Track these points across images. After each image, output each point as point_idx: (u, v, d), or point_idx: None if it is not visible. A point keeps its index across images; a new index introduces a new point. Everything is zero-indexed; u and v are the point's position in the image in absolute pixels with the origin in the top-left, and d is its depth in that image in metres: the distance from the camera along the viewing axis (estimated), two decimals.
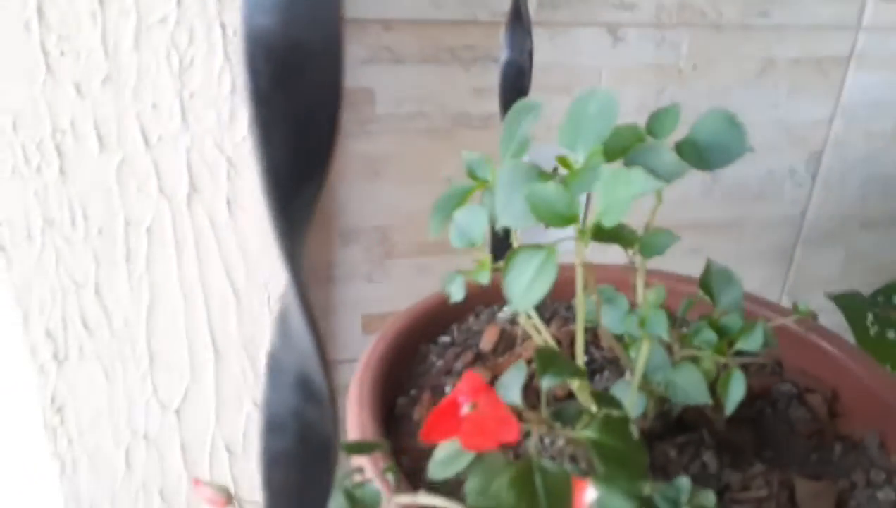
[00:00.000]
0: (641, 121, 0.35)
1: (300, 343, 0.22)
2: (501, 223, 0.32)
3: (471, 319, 0.52)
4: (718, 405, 0.42)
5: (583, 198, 0.30)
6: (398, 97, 0.73)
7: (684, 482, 0.28)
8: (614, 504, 0.26)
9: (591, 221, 0.29)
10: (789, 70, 0.83)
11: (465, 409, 0.27)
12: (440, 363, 0.46)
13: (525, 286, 0.28)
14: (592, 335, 0.48)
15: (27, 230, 0.56)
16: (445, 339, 0.50)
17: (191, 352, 0.64)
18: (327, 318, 0.80)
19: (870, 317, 0.60)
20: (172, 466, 0.68)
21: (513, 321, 0.51)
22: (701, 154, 0.34)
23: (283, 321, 0.22)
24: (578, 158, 0.33)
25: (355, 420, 0.39)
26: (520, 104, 0.37)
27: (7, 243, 0.56)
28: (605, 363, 0.45)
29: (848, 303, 0.61)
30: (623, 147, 0.32)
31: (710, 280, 0.37)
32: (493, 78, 0.74)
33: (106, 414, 0.64)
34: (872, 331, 0.61)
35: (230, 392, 0.66)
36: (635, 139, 0.33)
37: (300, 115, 0.19)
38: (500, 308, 0.53)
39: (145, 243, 0.59)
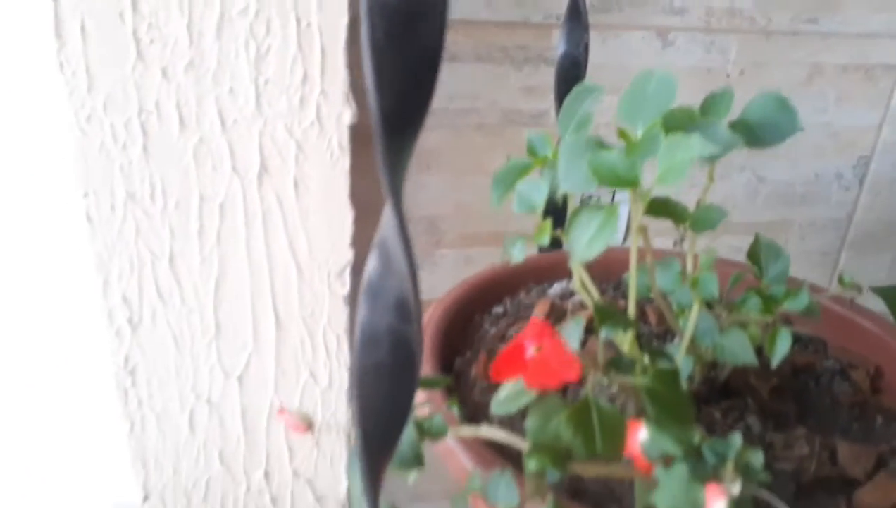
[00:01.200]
0: None
1: (398, 268, 0.25)
2: (564, 188, 0.35)
3: (522, 293, 0.55)
4: (762, 374, 0.44)
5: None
6: (451, 93, 0.76)
7: (736, 438, 0.30)
8: (664, 445, 0.28)
9: (649, 185, 0.32)
10: (837, 77, 0.84)
11: (531, 352, 0.30)
12: (494, 330, 0.49)
13: (588, 240, 0.31)
14: (640, 311, 0.51)
15: (111, 203, 0.61)
16: (499, 310, 0.53)
17: (254, 323, 0.68)
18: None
19: None
20: (232, 430, 0.72)
21: (563, 296, 0.53)
22: (753, 132, 0.36)
23: (382, 249, 0.26)
24: (637, 132, 0.35)
25: (422, 397, 0.42)
26: (581, 86, 0.40)
27: (93, 213, 0.61)
28: (653, 337, 0.48)
29: (892, 295, 0.62)
30: (679, 122, 0.35)
31: (758, 252, 0.39)
32: (543, 78, 0.77)
33: (173, 378, 0.69)
34: None
35: (289, 363, 0.70)
36: (691, 117, 0.36)
37: (408, 65, 0.23)
38: (551, 285, 0.55)
39: (217, 218, 0.63)
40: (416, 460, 0.31)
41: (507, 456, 0.33)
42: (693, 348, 0.39)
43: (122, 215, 0.62)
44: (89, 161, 0.59)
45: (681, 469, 0.26)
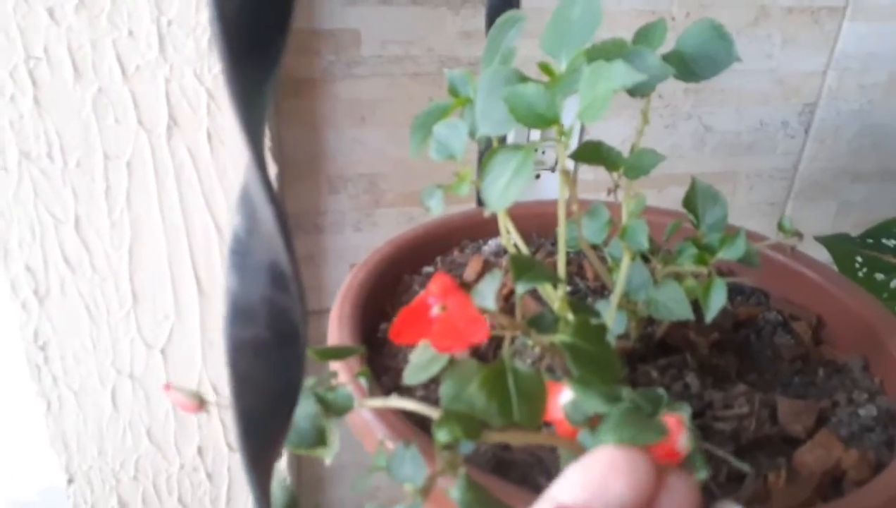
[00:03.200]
0: None
1: (266, 227, 0.21)
2: (481, 131, 0.31)
3: (455, 252, 0.51)
4: (701, 328, 0.42)
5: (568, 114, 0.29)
6: (384, 39, 0.71)
7: (660, 391, 0.27)
8: (590, 405, 0.25)
9: (571, 122, 0.29)
10: (783, 19, 0.82)
11: (435, 310, 0.27)
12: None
13: (503, 186, 0.27)
14: (578, 266, 0.48)
15: (3, 162, 0.55)
16: (429, 270, 0.49)
17: (175, 291, 0.63)
18: (315, 267, 0.79)
19: (858, 259, 0.60)
20: (159, 406, 0.68)
21: (497, 253, 0.50)
22: (688, 65, 0.33)
23: (245, 203, 0.22)
24: (561, 65, 0.32)
25: (335, 339, 0.38)
26: (505, 16, 0.36)
27: None
28: (588, 293, 0.45)
29: (836, 245, 0.60)
30: (607, 54, 0.31)
31: (694, 199, 0.36)
32: (482, 22, 0.73)
33: (91, 353, 0.64)
34: (861, 273, 0.60)
35: (216, 333, 0.66)
36: (620, 48, 0.33)
37: None
38: (486, 242, 0.52)
39: (125, 177, 0.58)
40: (319, 438, 0.28)
41: (428, 428, 0.30)
42: (626, 303, 0.36)
43: (17, 177, 0.56)
44: None
45: (621, 412, 0.24)
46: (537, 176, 0.83)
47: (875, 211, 0.96)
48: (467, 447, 0.25)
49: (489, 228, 0.53)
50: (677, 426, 0.24)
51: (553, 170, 0.83)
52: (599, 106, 0.26)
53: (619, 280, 0.34)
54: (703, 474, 0.24)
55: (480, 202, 0.78)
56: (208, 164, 0.58)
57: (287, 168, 0.71)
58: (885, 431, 0.35)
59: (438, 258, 0.51)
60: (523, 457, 0.33)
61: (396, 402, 0.28)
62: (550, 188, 0.82)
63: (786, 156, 0.90)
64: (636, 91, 0.30)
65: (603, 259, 0.38)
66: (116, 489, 0.72)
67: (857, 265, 0.60)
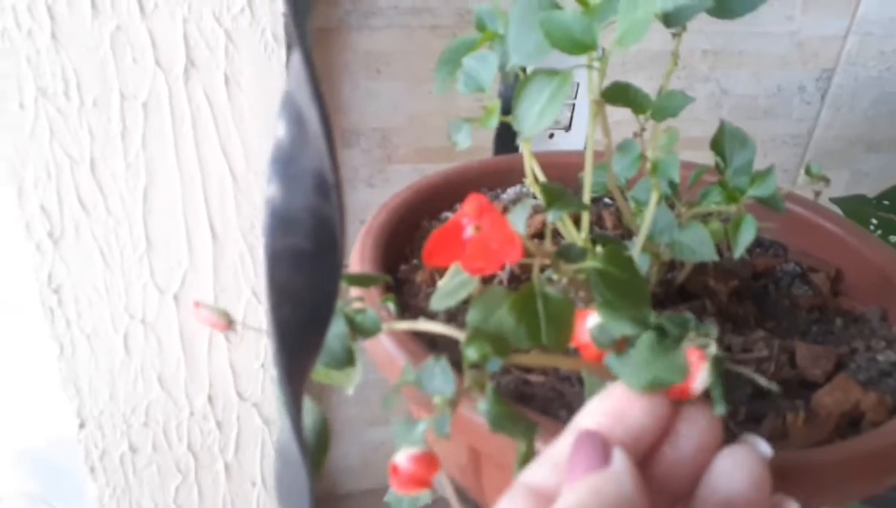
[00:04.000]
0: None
1: (313, 134, 0.21)
2: (514, 61, 0.31)
3: None
4: (721, 276, 0.42)
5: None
6: None
7: (689, 315, 0.27)
8: (620, 327, 0.25)
9: (609, 46, 0.28)
10: None
11: (469, 232, 0.27)
12: (456, 214, 0.45)
13: (538, 111, 0.27)
14: (597, 216, 0.48)
15: (20, 99, 0.55)
16: (448, 215, 0.49)
17: (189, 236, 0.63)
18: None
19: (873, 221, 0.60)
20: (171, 352, 0.68)
21: (516, 201, 0.50)
22: (723, 1, 0.33)
23: (291, 110, 0.21)
24: None
25: (356, 292, 0.38)
26: None
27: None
28: (610, 240, 0.45)
29: (852, 206, 0.60)
30: None
31: (722, 141, 0.36)
32: None
33: (104, 297, 0.64)
34: (876, 235, 0.60)
35: (229, 280, 0.66)
36: None
37: None
38: (505, 190, 0.52)
39: (141, 119, 0.57)
40: (348, 358, 0.28)
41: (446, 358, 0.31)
42: (650, 246, 0.36)
43: (33, 114, 0.56)
44: None
45: (648, 341, 0.24)
46: (551, 136, 0.82)
47: (888, 180, 0.95)
48: (495, 365, 0.26)
49: (507, 177, 0.53)
50: (697, 362, 0.24)
51: (567, 129, 0.82)
52: (639, 30, 0.26)
53: (646, 220, 0.34)
54: (720, 409, 0.24)
55: (497, 152, 0.77)
56: (225, 108, 0.58)
57: None
58: None
59: (458, 205, 0.50)
60: (544, 391, 0.33)
61: (424, 325, 0.28)
62: (563, 148, 0.82)
63: (801, 122, 0.89)
64: (673, 20, 0.29)
65: (626, 202, 0.38)
66: (127, 434, 0.73)
67: (872, 227, 0.60)
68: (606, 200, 0.50)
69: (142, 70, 0.55)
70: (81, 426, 0.72)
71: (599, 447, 0.23)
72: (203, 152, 0.60)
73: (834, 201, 0.63)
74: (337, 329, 0.28)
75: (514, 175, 0.52)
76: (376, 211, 0.46)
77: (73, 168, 0.58)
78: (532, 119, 0.27)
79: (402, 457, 0.24)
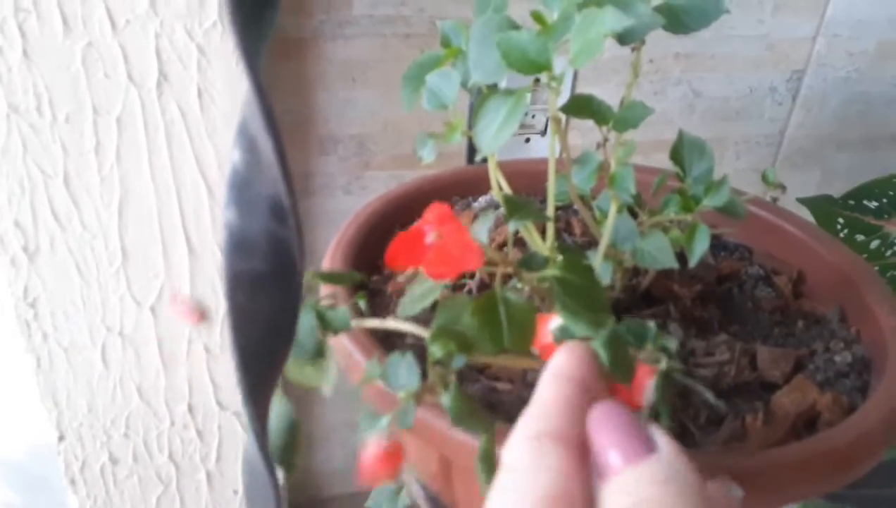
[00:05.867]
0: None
1: (266, 159, 0.21)
2: (474, 79, 0.32)
3: None
4: (685, 280, 0.43)
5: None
6: None
7: (651, 324, 0.28)
8: (580, 330, 0.26)
9: (562, 66, 0.29)
10: None
11: (430, 238, 0.28)
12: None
13: (495, 130, 0.28)
14: (566, 222, 0.49)
15: None
16: None
17: (164, 249, 0.63)
18: (304, 230, 0.79)
19: (840, 220, 0.61)
20: (149, 363, 0.68)
21: (487, 209, 0.51)
22: (678, 17, 0.34)
23: (245, 135, 0.22)
24: (553, 15, 0.32)
25: (326, 289, 0.39)
26: None
27: None
28: (576, 247, 0.46)
29: (818, 206, 0.62)
30: (598, 2, 0.32)
31: (681, 150, 0.37)
32: None
33: (80, 310, 0.64)
34: (842, 234, 0.62)
35: (206, 290, 0.66)
36: None
37: None
38: (476, 199, 0.53)
39: (115, 133, 0.57)
40: (318, 351, 0.29)
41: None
42: (613, 253, 0.37)
43: (5, 130, 0.56)
44: None
45: (604, 341, 0.25)
46: (527, 140, 0.83)
47: (858, 179, 0.97)
48: (459, 362, 0.26)
49: (479, 186, 0.54)
50: (644, 377, 0.25)
51: (543, 134, 0.83)
52: (590, 50, 0.27)
53: (607, 230, 0.35)
54: (665, 422, 0.25)
55: (470, 160, 0.78)
56: (199, 121, 0.58)
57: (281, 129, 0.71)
58: (859, 377, 0.36)
59: None
60: (511, 399, 0.34)
61: (393, 323, 0.28)
62: (540, 152, 0.82)
63: (773, 122, 0.90)
64: (626, 38, 0.30)
65: (590, 210, 0.39)
66: (107, 445, 0.73)
67: (839, 227, 0.61)
68: (575, 206, 0.51)
69: (114, 85, 0.56)
70: (61, 438, 0.72)
71: (637, 427, 0.21)
72: (178, 165, 0.60)
73: (801, 201, 0.64)
74: (307, 324, 0.28)
75: (486, 183, 0.52)
76: (348, 222, 0.46)
77: (47, 183, 0.58)
78: (490, 136, 0.28)
79: (369, 450, 0.25)
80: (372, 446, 0.27)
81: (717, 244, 0.48)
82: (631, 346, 0.26)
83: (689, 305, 0.41)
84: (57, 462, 0.73)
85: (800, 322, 0.41)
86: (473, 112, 0.29)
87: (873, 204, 0.60)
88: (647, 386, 0.24)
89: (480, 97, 0.28)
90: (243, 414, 0.75)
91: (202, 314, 0.31)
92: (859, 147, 0.95)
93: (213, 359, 0.70)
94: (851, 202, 0.60)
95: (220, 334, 0.70)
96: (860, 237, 0.60)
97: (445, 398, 0.26)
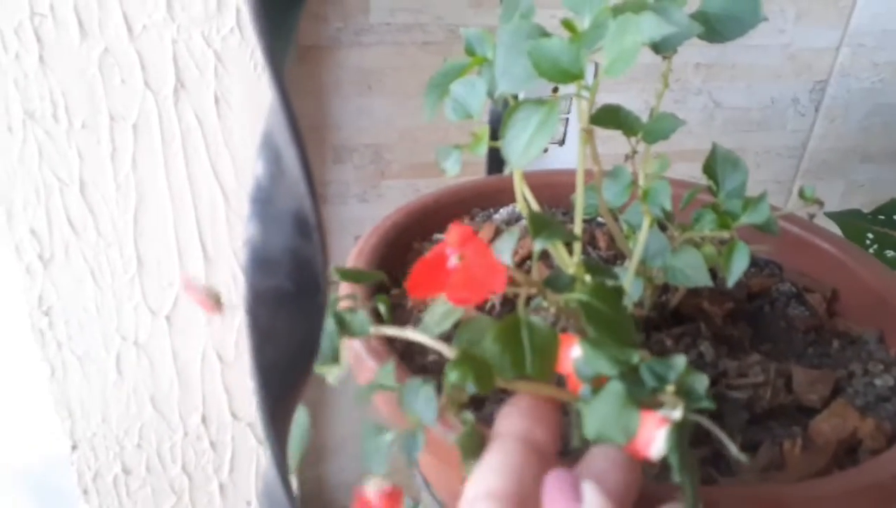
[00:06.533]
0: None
1: (291, 171, 0.20)
2: (501, 88, 0.31)
3: (466, 219, 0.51)
4: (715, 298, 0.41)
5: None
6: (393, 6, 0.70)
7: (680, 360, 0.26)
8: (599, 365, 0.25)
9: (596, 76, 0.28)
10: None
11: (453, 261, 0.26)
12: (440, 243, 0.45)
13: (526, 141, 0.27)
14: (590, 236, 0.47)
15: (7, 122, 0.54)
16: (440, 237, 0.49)
17: (180, 257, 0.63)
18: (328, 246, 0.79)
19: (869, 236, 0.59)
20: (163, 373, 0.68)
21: (509, 221, 0.50)
22: (713, 25, 0.32)
23: (269, 147, 0.21)
24: (584, 22, 0.31)
25: (346, 290, 0.38)
26: None
27: None
28: (602, 263, 0.44)
29: (847, 221, 0.60)
30: (633, 8, 0.31)
31: (714, 164, 0.35)
32: None
33: (95, 318, 0.63)
34: (871, 250, 0.60)
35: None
36: (644, 5, 0.32)
37: None
38: (497, 211, 0.52)
39: (131, 140, 0.57)
40: (334, 357, 0.28)
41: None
42: (643, 270, 0.36)
43: (21, 137, 0.55)
44: None
45: (614, 389, 0.23)
46: (545, 150, 0.82)
47: (883, 192, 0.95)
48: (472, 388, 0.25)
49: (500, 197, 0.52)
50: (655, 427, 0.23)
51: (561, 144, 0.82)
52: (627, 59, 0.25)
53: (638, 246, 0.34)
54: (677, 477, 0.23)
55: (491, 171, 0.77)
56: (215, 128, 0.58)
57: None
58: None
59: (449, 226, 0.50)
60: None
61: (411, 334, 0.27)
62: (558, 163, 0.81)
63: (795, 134, 0.89)
64: (662, 47, 0.29)
65: (618, 226, 0.37)
66: (120, 456, 0.72)
67: (868, 242, 0.59)
68: (600, 219, 0.50)
69: (131, 91, 0.55)
70: (74, 447, 0.71)
71: (571, 486, 0.23)
72: (194, 172, 0.59)
73: (830, 215, 0.63)
74: (326, 328, 0.27)
75: (507, 195, 0.52)
76: (367, 234, 0.45)
77: (63, 190, 0.57)
78: (520, 149, 0.27)
79: (371, 490, 0.24)
80: (374, 487, 0.26)
81: None
82: (649, 389, 0.24)
83: (720, 323, 0.40)
84: (70, 473, 0.73)
85: (835, 342, 0.40)
86: (502, 123, 0.28)
87: None
88: (657, 437, 0.23)
89: (510, 107, 0.27)
90: (257, 425, 0.74)
91: (217, 302, 0.30)
92: (883, 159, 0.94)
93: (227, 369, 0.70)
94: (881, 217, 0.58)
95: (234, 344, 0.69)
96: (890, 253, 0.58)
97: (452, 436, 0.25)
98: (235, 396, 0.72)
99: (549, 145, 0.82)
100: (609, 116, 0.35)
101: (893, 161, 0.95)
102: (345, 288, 0.37)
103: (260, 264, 0.22)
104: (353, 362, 0.33)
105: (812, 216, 0.36)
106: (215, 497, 0.77)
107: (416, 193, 0.80)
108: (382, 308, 0.33)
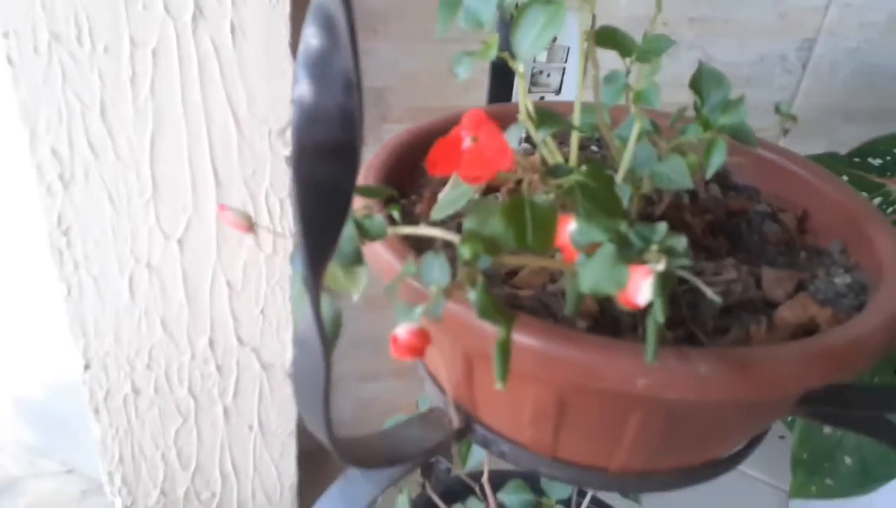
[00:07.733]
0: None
1: (342, 36, 0.24)
2: None
3: None
4: (698, 211, 0.45)
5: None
6: None
7: (662, 225, 0.30)
8: (593, 234, 0.29)
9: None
10: None
11: (467, 143, 0.30)
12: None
13: (534, 37, 0.30)
14: (585, 161, 0.51)
15: (33, 44, 0.57)
16: None
17: (193, 183, 0.66)
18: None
19: (845, 177, 0.63)
20: (174, 296, 0.71)
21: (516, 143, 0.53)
22: None
23: (322, 16, 0.24)
24: None
25: (361, 204, 0.41)
26: None
27: (14, 56, 0.57)
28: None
29: (824, 163, 0.64)
30: None
31: (700, 81, 0.39)
32: None
33: (111, 240, 0.67)
34: None
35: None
36: None
37: None
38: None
39: (150, 65, 0.60)
40: (357, 257, 0.31)
41: None
42: (631, 177, 0.39)
43: (46, 59, 0.58)
44: None
45: (606, 250, 0.27)
46: (541, 98, 0.85)
47: None
48: (485, 262, 0.29)
49: (501, 124, 0.56)
50: (642, 277, 0.27)
51: (557, 93, 0.85)
52: None
53: (627, 152, 0.37)
54: (658, 317, 0.27)
55: (493, 88, 0.80)
56: (231, 57, 0.60)
57: None
58: (856, 297, 0.39)
59: None
60: (532, 303, 0.37)
61: (425, 230, 0.31)
62: None
63: (782, 90, 0.92)
64: None
65: (612, 136, 0.41)
66: (130, 376, 0.76)
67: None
68: (593, 147, 0.54)
69: (152, 17, 0.58)
70: (87, 367, 0.75)
71: None
72: (208, 99, 0.62)
73: (808, 158, 0.66)
74: (346, 232, 0.31)
75: (508, 122, 0.55)
76: (377, 150, 0.48)
77: (84, 113, 0.60)
78: (529, 42, 0.30)
79: (402, 330, 0.28)
80: (405, 328, 0.30)
81: (726, 185, 0.51)
82: (636, 250, 0.28)
83: (700, 234, 0.44)
84: (75, 400, 0.76)
85: (803, 253, 0.44)
86: (514, 21, 0.31)
87: (878, 161, 0.63)
88: (643, 286, 0.26)
89: (521, 6, 0.31)
90: (262, 351, 0.78)
91: (250, 222, 0.34)
92: (866, 119, 0.97)
93: (235, 295, 0.73)
94: (857, 160, 0.62)
95: (241, 270, 0.73)
96: (864, 194, 0.62)
97: (472, 295, 0.29)
98: (242, 322, 0.75)
99: (545, 94, 0.85)
100: (607, 36, 0.38)
101: (874, 121, 0.98)
102: (359, 201, 0.41)
103: (309, 120, 0.26)
104: (374, 264, 0.36)
105: (787, 131, 0.40)
106: (219, 421, 0.81)
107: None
108: (396, 214, 0.37)
